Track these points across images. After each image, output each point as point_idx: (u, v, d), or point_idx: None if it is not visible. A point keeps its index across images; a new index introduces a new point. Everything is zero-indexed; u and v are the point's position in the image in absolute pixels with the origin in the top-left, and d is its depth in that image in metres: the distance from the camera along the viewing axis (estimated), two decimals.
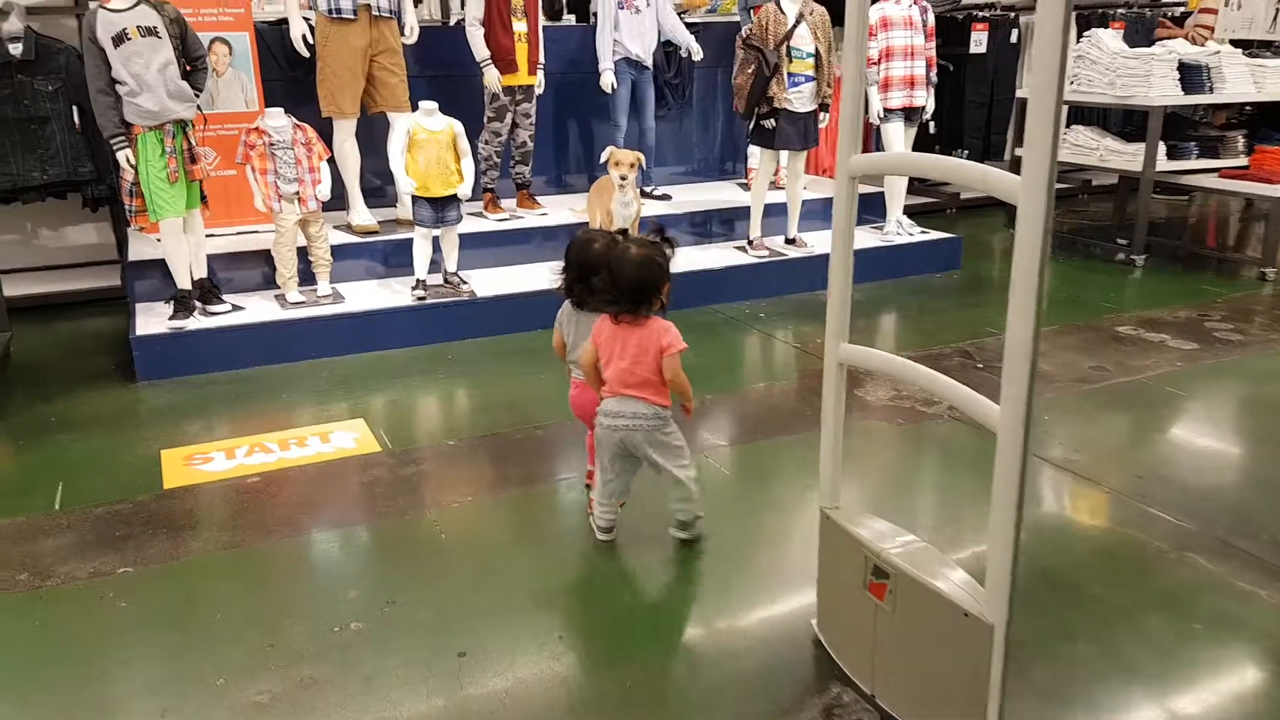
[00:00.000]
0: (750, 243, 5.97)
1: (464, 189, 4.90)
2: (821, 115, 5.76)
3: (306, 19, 5.26)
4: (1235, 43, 7.00)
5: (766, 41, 5.48)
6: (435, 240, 5.05)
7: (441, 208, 4.92)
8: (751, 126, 5.71)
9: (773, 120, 5.57)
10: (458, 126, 4.88)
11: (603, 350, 2.82)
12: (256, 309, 4.82)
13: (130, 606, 2.75)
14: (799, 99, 5.60)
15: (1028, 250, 1.83)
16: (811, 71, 5.60)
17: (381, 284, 5.28)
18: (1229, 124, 6.71)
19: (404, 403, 4.23)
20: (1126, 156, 6.28)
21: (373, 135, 5.60)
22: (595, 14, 6.73)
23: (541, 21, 5.86)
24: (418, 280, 4.99)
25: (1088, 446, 3.72)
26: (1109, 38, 6.38)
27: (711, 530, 3.08)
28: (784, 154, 5.85)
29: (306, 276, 4.98)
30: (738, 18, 7.56)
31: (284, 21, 5.27)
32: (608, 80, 6.08)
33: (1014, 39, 8.15)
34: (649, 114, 6.34)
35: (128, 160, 4.30)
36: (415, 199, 4.87)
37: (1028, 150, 1.73)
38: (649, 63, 6.22)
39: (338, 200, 5.48)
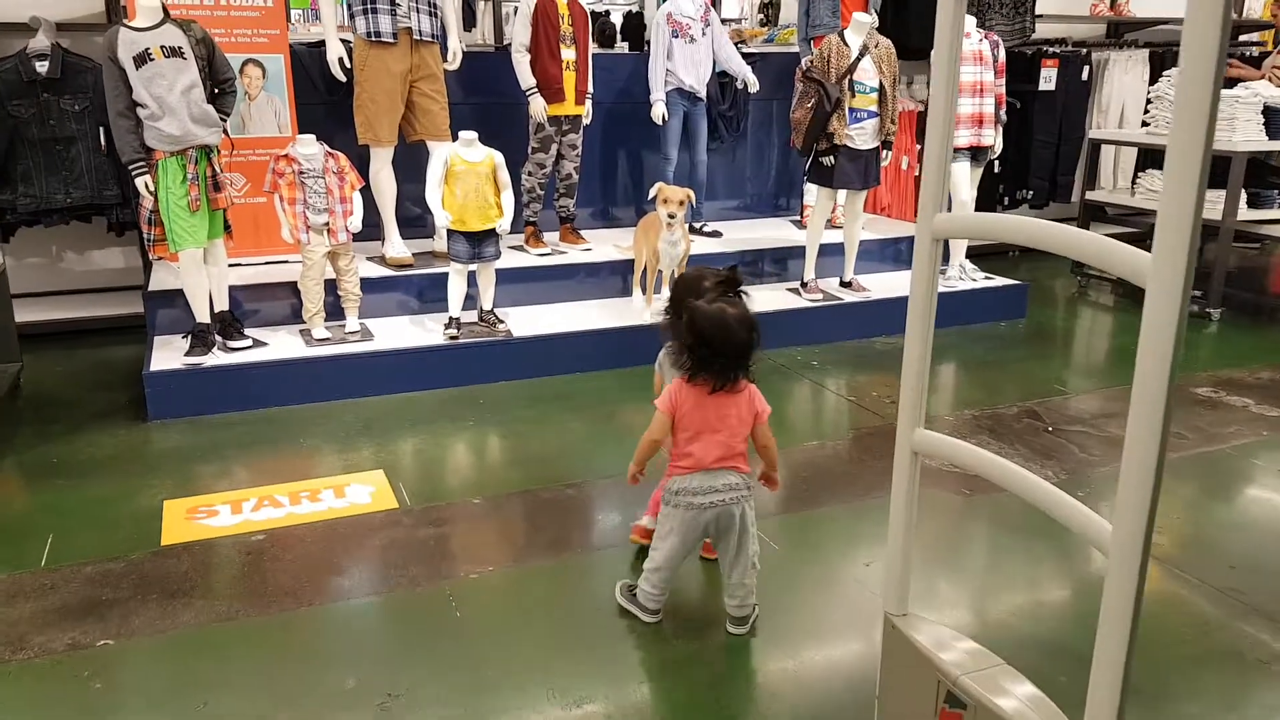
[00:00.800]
0: (804, 285, 5.59)
1: (503, 224, 4.60)
2: (884, 153, 5.39)
3: (345, 41, 5.01)
4: None
5: (828, 75, 5.14)
6: (472, 275, 4.76)
7: (479, 243, 4.62)
8: (809, 163, 5.36)
9: (832, 157, 5.21)
10: (498, 158, 4.59)
11: (690, 422, 2.51)
12: (280, 345, 4.54)
13: (104, 689, 2.44)
14: (860, 135, 5.24)
15: (1156, 351, 1.45)
16: (874, 107, 5.24)
17: (414, 321, 4.99)
18: None
19: (428, 452, 3.90)
20: (1206, 204, 5.81)
21: (411, 164, 5.33)
22: (649, 42, 6.46)
23: (591, 49, 5.57)
24: (451, 318, 4.69)
25: (1171, 528, 3.29)
26: None
27: (761, 618, 2.72)
28: (842, 193, 5.49)
29: (335, 311, 4.70)
30: (796, 48, 7.25)
31: (323, 43, 5.03)
32: (659, 111, 5.76)
33: (1084, 76, 7.73)
34: (701, 147, 6.01)
35: (146, 187, 4.05)
36: (451, 233, 4.58)
37: (1163, 227, 1.36)
38: (703, 94, 5.90)
39: (372, 229, 5.22)
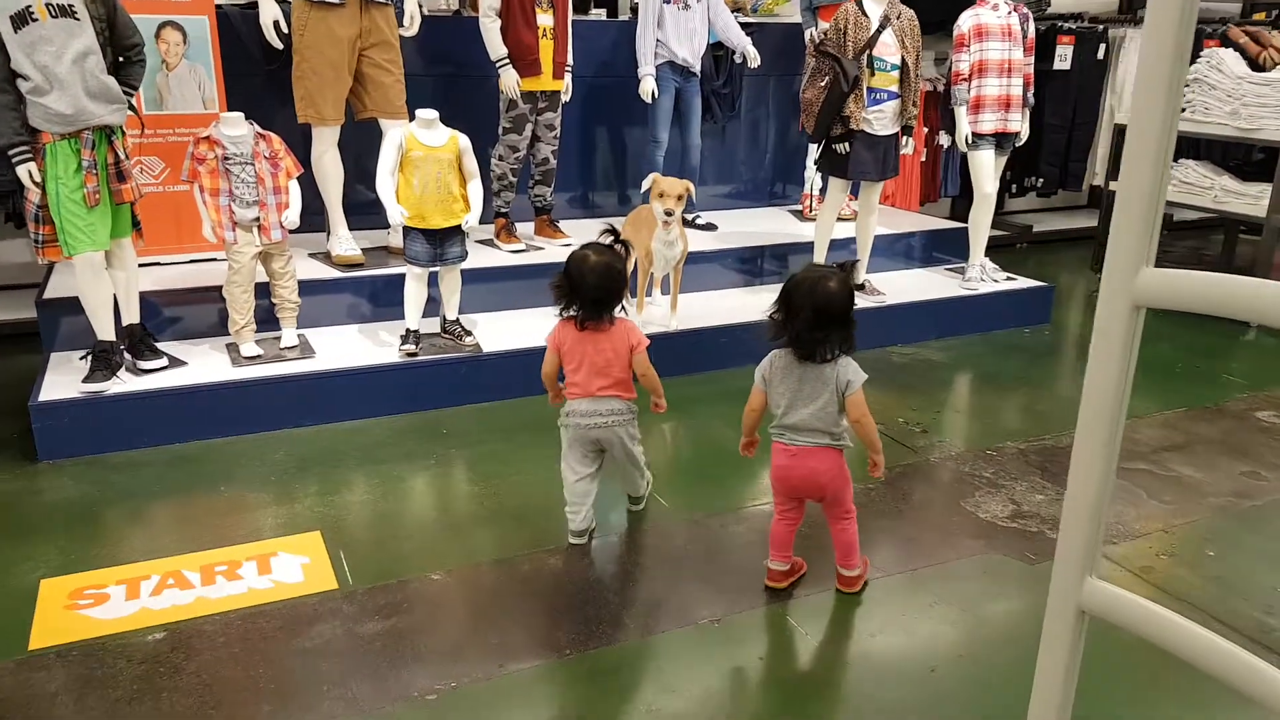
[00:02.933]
0: None
1: (470, 219, 3.86)
2: (904, 140, 4.69)
3: (282, 2, 4.21)
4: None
5: (845, 49, 4.41)
6: (434, 278, 4.02)
7: (441, 242, 3.87)
8: (821, 150, 4.65)
9: (847, 144, 4.50)
10: (463, 141, 3.83)
11: (570, 356, 2.82)
12: (202, 364, 3.78)
13: None
14: (879, 120, 4.53)
15: None
16: (895, 87, 4.53)
17: (364, 332, 4.23)
18: None
19: (378, 504, 3.17)
20: (1247, 199, 5.21)
21: (363, 145, 4.56)
22: (634, 8, 5.70)
23: (571, 15, 4.80)
24: (408, 331, 3.94)
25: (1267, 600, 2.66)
26: (1232, 59, 5.30)
27: None
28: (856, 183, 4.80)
29: (269, 321, 3.94)
30: (792, 18, 6.51)
31: (255, 5, 4.23)
32: (648, 87, 5.02)
33: (1100, 55, 7.06)
34: (695, 129, 5.28)
35: (30, 176, 3.25)
36: (408, 230, 3.83)
37: None
38: (697, 68, 5.16)
39: (315, 220, 4.45)
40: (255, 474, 3.34)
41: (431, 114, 3.77)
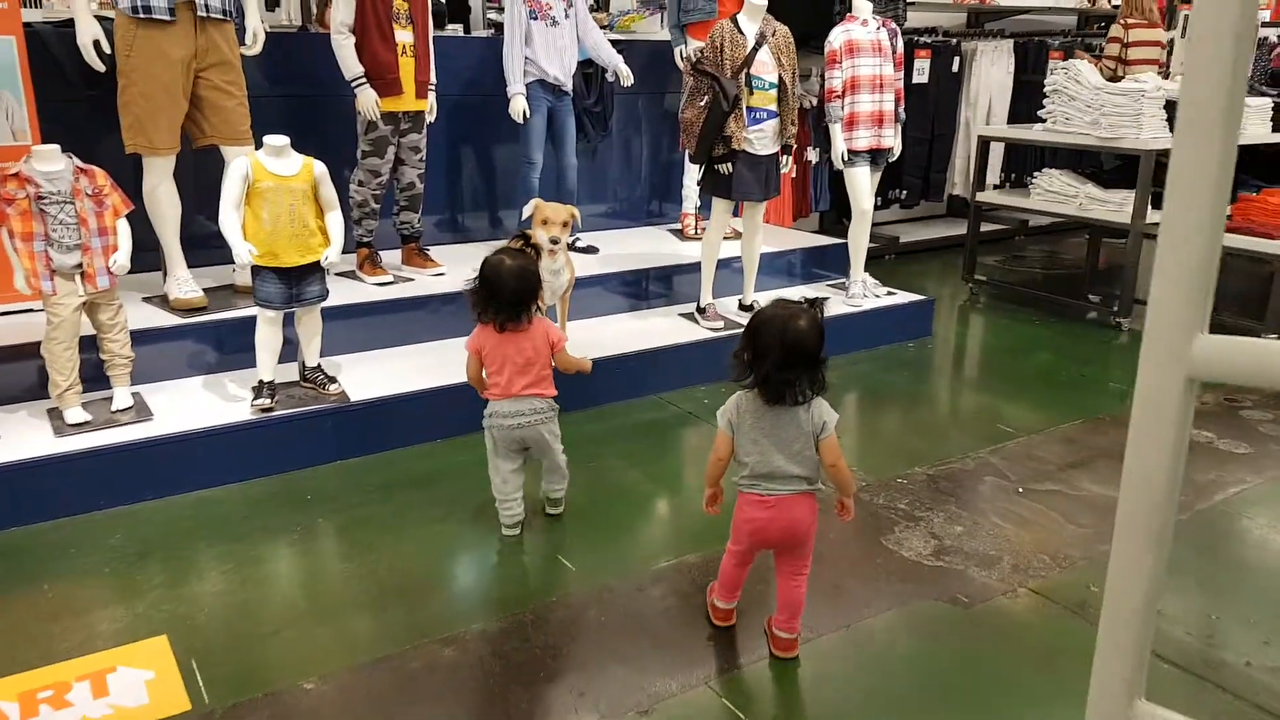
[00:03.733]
0: (701, 311, 4.65)
1: (330, 254, 3.42)
2: (784, 159, 4.50)
3: (104, 19, 3.66)
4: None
5: (722, 67, 4.18)
6: (290, 317, 3.55)
7: (297, 281, 3.42)
8: (703, 171, 4.40)
9: (729, 164, 4.27)
10: (319, 168, 3.39)
11: (491, 358, 2.87)
12: (18, 435, 3.19)
13: None
14: (760, 139, 4.32)
15: None
16: (774, 106, 4.33)
17: (210, 385, 3.71)
18: None
19: (234, 595, 2.70)
20: (1111, 206, 5.28)
21: (202, 175, 4.04)
22: (492, 24, 5.35)
23: (433, 31, 4.40)
24: (261, 383, 3.46)
25: (1207, 629, 2.55)
26: (1088, 70, 5.37)
27: None
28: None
29: (97, 379, 3.39)
30: (655, 35, 6.28)
31: (71, 22, 3.65)
32: (519, 107, 4.66)
33: (955, 68, 7.14)
34: (569, 149, 4.95)
35: None
36: (258, 270, 3.35)
37: None
38: (569, 86, 4.84)
39: (148, 257, 3.90)
40: (87, 565, 2.81)
41: (281, 140, 3.31)
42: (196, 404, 3.51)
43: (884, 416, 4.11)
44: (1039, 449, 3.74)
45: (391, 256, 4.63)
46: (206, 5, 3.62)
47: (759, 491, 2.30)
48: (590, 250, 5.13)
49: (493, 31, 5.79)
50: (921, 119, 6.98)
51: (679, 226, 5.73)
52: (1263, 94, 5.92)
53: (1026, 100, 7.55)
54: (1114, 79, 5.93)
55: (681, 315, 4.77)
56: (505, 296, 2.77)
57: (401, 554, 2.91)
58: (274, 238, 3.31)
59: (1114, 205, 5.27)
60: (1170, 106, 5.21)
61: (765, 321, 2.21)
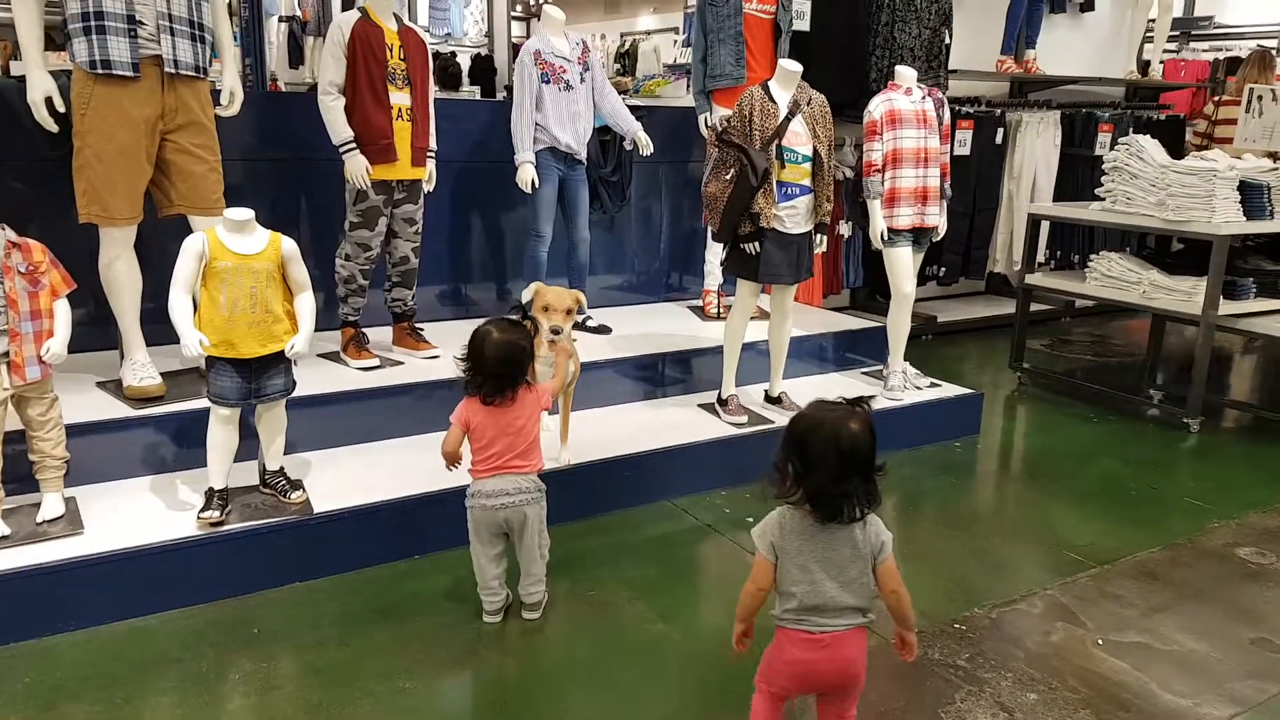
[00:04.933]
0: (723, 403, 4.12)
1: (298, 342, 2.93)
2: (817, 238, 3.99)
3: (59, 74, 3.24)
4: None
5: (750, 138, 3.70)
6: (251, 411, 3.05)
7: (257, 374, 2.93)
8: (728, 251, 3.90)
9: (756, 244, 3.77)
10: (287, 246, 2.92)
11: (480, 433, 2.68)
12: None
13: None
14: (792, 217, 3.82)
15: None
16: (808, 181, 3.84)
17: (159, 487, 3.20)
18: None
19: None
20: (1179, 295, 4.71)
21: (167, 247, 3.57)
22: (508, 87, 4.93)
23: (434, 92, 3.97)
24: (211, 491, 2.95)
25: None
26: (1153, 147, 4.85)
27: None
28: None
29: (24, 480, 2.89)
30: (679, 100, 5.86)
31: (23, 76, 3.24)
32: (526, 175, 4.21)
33: (999, 139, 6.65)
34: (582, 222, 4.48)
35: None
36: (212, 361, 2.87)
37: None
38: (583, 155, 4.38)
39: (105, 334, 3.44)
40: None
41: (243, 213, 2.85)
42: (138, 513, 3.00)
43: (933, 536, 3.51)
44: (1115, 585, 3.14)
45: (382, 335, 4.16)
46: (175, 60, 3.20)
47: (808, 629, 1.95)
48: (603, 330, 4.62)
49: (505, 95, 5.38)
50: (963, 192, 6.46)
51: (700, 304, 5.23)
52: None
53: (1073, 174, 7.05)
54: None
55: (701, 406, 4.23)
56: (488, 369, 2.62)
57: (372, 710, 2.36)
58: (231, 325, 2.83)
59: (1182, 295, 4.70)
60: (1244, 188, 4.67)
61: (814, 427, 1.92)
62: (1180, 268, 4.89)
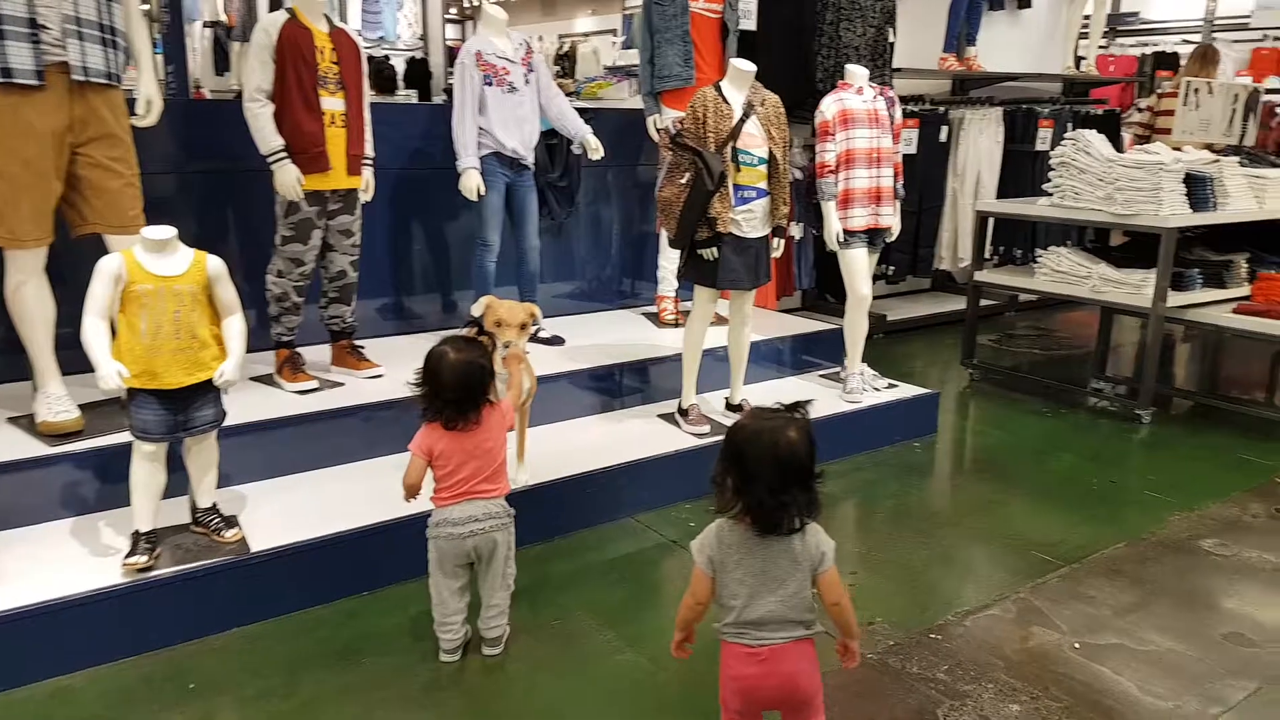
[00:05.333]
0: (684, 413, 3.96)
1: (227, 369, 2.69)
2: (775, 242, 3.86)
3: None
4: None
5: (704, 141, 3.55)
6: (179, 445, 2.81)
7: (184, 406, 2.68)
8: (685, 257, 3.74)
9: (714, 249, 3.62)
10: (214, 265, 2.68)
11: (445, 459, 2.49)
12: None
13: None
14: (749, 221, 3.68)
15: None
16: (764, 184, 3.70)
17: (80, 531, 2.93)
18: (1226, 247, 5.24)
19: None
20: (1129, 288, 4.69)
21: (81, 269, 3.29)
22: (448, 90, 4.72)
23: (369, 96, 3.74)
24: (137, 534, 2.70)
25: None
26: (1099, 141, 4.83)
27: None
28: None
29: None
30: (624, 103, 5.70)
31: None
32: (471, 183, 4.00)
33: (943, 138, 6.61)
34: (531, 229, 4.29)
35: None
36: (134, 394, 2.62)
37: None
38: (529, 160, 4.19)
39: (17, 363, 3.16)
40: None
41: (163, 232, 2.60)
42: (57, 560, 2.73)
43: (900, 542, 3.40)
44: (1085, 585, 3.06)
45: (320, 355, 3.92)
46: (85, 68, 2.93)
47: (746, 642, 1.88)
48: (555, 341, 4.44)
49: (445, 98, 5.16)
50: (909, 191, 6.35)
51: (655, 310, 5.07)
52: (1273, 164, 5.42)
53: (1015, 170, 7.06)
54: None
55: (661, 416, 4.07)
56: (449, 394, 2.44)
57: None
58: (153, 353, 2.58)
59: (1131, 288, 4.68)
60: (1190, 180, 4.67)
61: (750, 438, 1.84)
62: (1127, 261, 4.88)
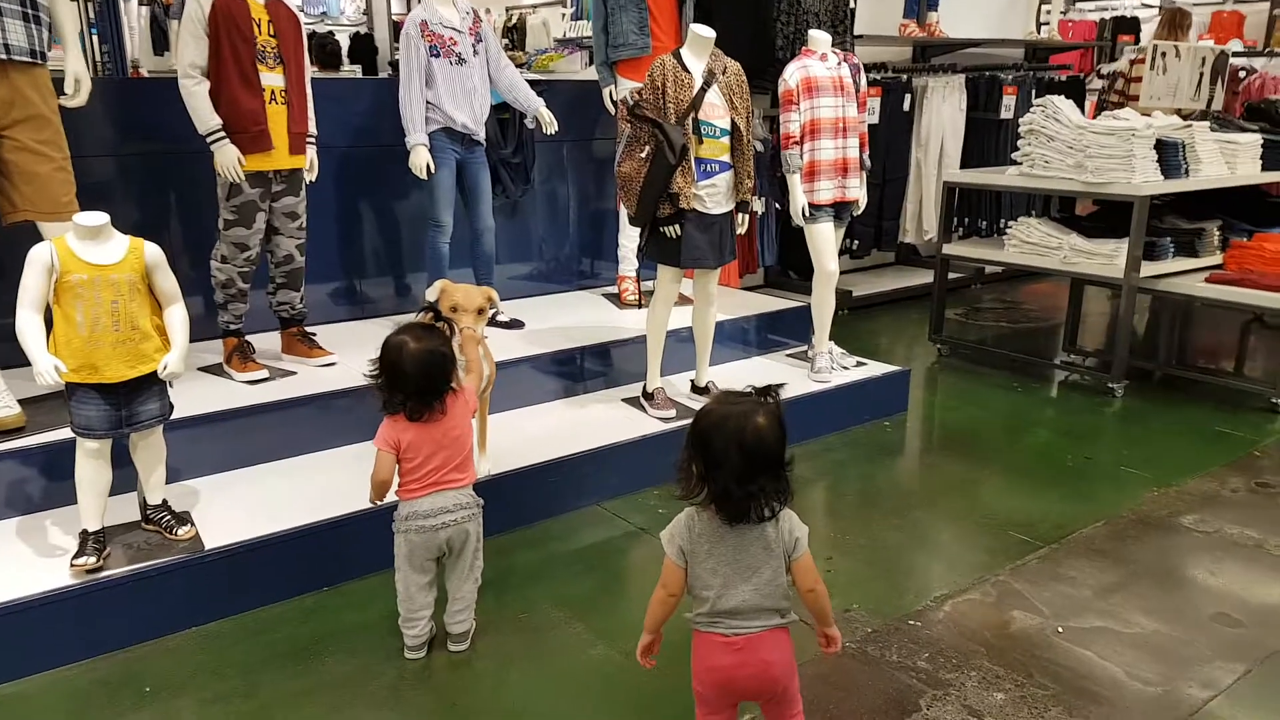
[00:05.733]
0: (649, 397, 3.99)
1: (170, 362, 2.66)
2: (739, 218, 3.89)
3: None
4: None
5: (664, 112, 3.56)
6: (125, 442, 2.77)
7: (128, 400, 2.66)
8: (646, 235, 3.76)
9: (677, 227, 3.64)
10: (151, 253, 2.65)
11: (413, 451, 2.47)
12: None
13: None
14: (713, 196, 3.71)
15: None
16: (727, 156, 3.73)
17: (26, 532, 2.89)
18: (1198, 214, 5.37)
19: None
20: (1100, 259, 4.79)
21: (13, 257, 3.24)
22: (393, 64, 4.66)
23: (310, 72, 3.69)
24: (85, 534, 2.67)
25: None
26: (1068, 108, 4.91)
27: None
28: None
29: None
30: (577, 74, 5.68)
31: None
32: (420, 160, 3.98)
33: (906, 106, 6.68)
34: (485, 209, 4.27)
35: None
36: (73, 389, 2.58)
37: None
38: (480, 135, 4.17)
39: None
40: None
41: (95, 218, 2.56)
42: (2, 563, 2.69)
43: (874, 525, 3.46)
44: (1065, 565, 3.14)
45: (270, 342, 3.88)
46: (6, 45, 2.86)
47: (722, 631, 1.87)
48: (514, 325, 4.44)
49: (391, 73, 5.10)
50: (873, 162, 6.48)
51: (615, 291, 5.08)
52: (1243, 129, 5.55)
53: (979, 139, 7.17)
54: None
55: (625, 401, 4.10)
56: (412, 385, 2.41)
57: None
58: (93, 346, 2.55)
59: (1103, 258, 4.79)
60: (1161, 146, 4.77)
61: (716, 424, 1.81)
62: (1097, 230, 4.98)
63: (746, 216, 3.89)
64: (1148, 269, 4.80)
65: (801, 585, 1.89)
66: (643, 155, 3.56)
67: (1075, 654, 2.65)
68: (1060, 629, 2.77)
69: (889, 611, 2.84)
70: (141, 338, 2.63)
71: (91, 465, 2.65)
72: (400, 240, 4.63)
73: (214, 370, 3.70)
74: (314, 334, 3.91)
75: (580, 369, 4.22)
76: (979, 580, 3.03)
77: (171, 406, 2.80)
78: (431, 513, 2.48)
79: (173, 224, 3.97)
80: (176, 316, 2.71)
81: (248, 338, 3.75)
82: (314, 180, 3.75)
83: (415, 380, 2.40)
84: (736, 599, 1.85)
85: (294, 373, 3.73)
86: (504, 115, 4.57)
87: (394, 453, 2.47)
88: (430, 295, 3.03)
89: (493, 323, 4.40)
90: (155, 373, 2.65)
